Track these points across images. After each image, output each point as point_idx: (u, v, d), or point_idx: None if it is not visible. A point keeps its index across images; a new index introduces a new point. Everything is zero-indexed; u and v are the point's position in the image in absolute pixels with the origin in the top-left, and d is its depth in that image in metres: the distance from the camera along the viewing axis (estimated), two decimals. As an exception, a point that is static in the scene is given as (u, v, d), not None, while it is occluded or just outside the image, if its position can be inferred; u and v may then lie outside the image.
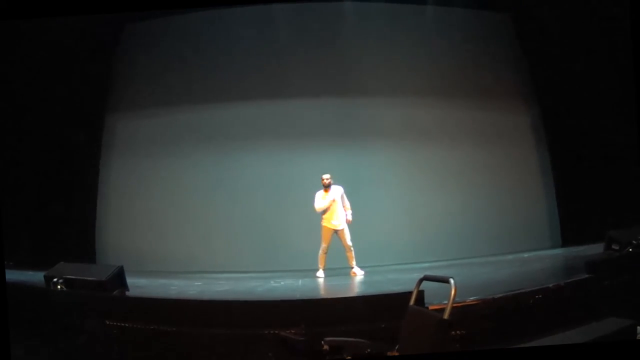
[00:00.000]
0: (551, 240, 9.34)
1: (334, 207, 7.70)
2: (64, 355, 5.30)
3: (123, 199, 9.23)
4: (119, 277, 5.98)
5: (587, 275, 5.89)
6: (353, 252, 7.77)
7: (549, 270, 7.50)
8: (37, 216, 8.31)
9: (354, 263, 7.80)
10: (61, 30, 8.07)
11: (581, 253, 7.45)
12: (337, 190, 7.76)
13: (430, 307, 4.19)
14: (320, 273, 7.75)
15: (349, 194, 7.92)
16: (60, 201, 8.58)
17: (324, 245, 7.74)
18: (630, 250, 6.22)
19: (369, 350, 3.67)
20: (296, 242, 8.49)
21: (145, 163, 9.30)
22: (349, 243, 7.73)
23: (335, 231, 7.73)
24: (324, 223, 7.72)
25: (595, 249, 6.91)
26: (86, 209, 9.11)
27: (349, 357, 3.61)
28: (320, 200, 7.70)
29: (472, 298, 5.20)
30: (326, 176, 7.71)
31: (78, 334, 5.36)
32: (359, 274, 7.76)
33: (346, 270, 7.83)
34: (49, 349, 5.33)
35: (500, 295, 5.39)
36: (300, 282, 7.50)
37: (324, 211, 7.68)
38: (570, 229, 9.13)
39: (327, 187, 7.71)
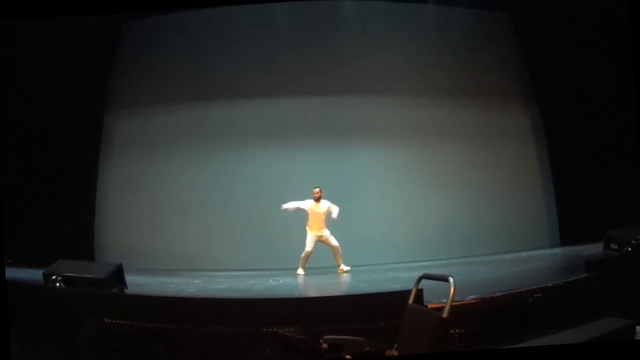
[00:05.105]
0: (550, 239, 9.36)
1: (319, 217, 7.82)
2: (63, 352, 5.29)
3: (122, 197, 9.23)
4: (118, 275, 5.97)
5: (586, 275, 5.89)
6: (340, 252, 7.87)
7: (548, 269, 7.51)
8: (36, 214, 8.30)
9: (340, 261, 7.91)
10: (60, 30, 8.07)
11: (580, 252, 7.45)
12: (325, 205, 7.88)
13: (430, 306, 4.15)
14: (300, 271, 7.82)
15: (348, 191, 7.95)
16: (60, 199, 8.59)
17: (307, 250, 7.81)
18: (629, 249, 6.22)
19: (367, 348, 3.65)
20: (295, 241, 8.46)
21: (144, 161, 9.30)
22: (336, 244, 7.81)
23: (320, 238, 7.82)
24: (308, 230, 7.83)
25: (594, 248, 6.91)
26: (85, 206, 9.11)
27: (347, 356, 3.60)
28: (300, 204, 7.84)
29: (471, 297, 5.20)
30: (316, 189, 7.85)
31: (77, 331, 5.35)
32: (345, 269, 7.88)
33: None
34: (47, 347, 5.33)
35: (499, 294, 5.40)
36: (299, 280, 7.49)
37: (310, 218, 7.81)
38: (569, 228, 9.14)
39: (317, 200, 7.86)
